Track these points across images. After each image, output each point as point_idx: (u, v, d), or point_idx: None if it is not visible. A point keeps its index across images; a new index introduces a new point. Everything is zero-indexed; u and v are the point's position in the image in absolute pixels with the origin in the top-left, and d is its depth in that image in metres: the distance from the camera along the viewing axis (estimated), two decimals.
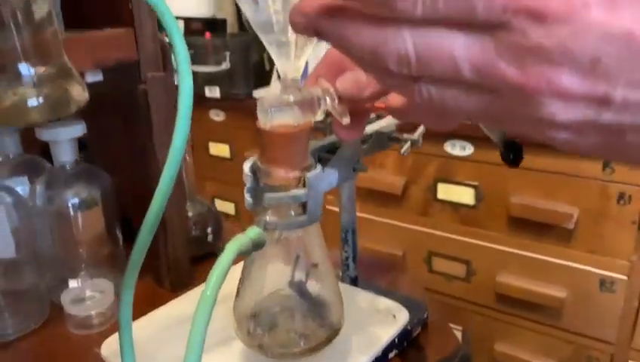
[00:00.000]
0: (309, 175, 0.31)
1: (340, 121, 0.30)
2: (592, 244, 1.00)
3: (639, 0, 0.17)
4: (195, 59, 1.40)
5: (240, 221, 1.53)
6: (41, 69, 0.25)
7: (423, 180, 1.16)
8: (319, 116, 0.31)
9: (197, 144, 1.50)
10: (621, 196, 0.94)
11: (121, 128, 0.56)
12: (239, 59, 1.38)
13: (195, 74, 1.53)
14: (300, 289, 0.37)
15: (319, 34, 0.21)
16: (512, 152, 0.33)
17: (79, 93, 0.26)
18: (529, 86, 0.18)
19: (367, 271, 0.54)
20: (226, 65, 1.36)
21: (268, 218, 0.32)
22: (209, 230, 0.59)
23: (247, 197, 0.33)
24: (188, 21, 1.50)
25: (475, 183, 1.08)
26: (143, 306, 0.44)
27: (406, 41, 0.19)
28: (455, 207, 1.13)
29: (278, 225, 0.32)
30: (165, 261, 0.56)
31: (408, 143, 0.40)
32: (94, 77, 0.50)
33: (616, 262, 0.98)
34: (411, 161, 1.16)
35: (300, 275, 0.36)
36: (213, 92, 1.39)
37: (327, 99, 0.29)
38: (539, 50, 0.17)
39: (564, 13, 0.17)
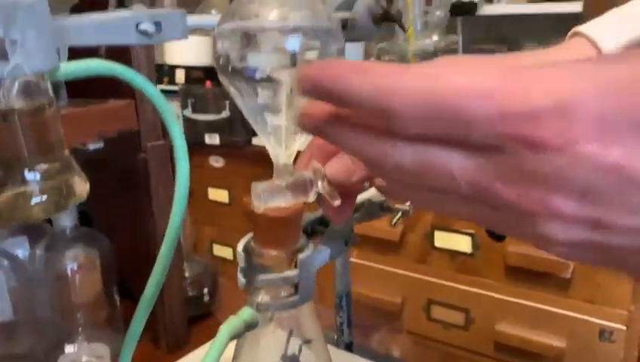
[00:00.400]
0: (301, 256, 0.32)
1: (330, 203, 0.31)
2: (590, 293, 1.00)
3: (626, 136, 0.17)
4: (195, 108, 1.43)
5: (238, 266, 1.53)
6: (44, 167, 0.26)
7: (421, 227, 1.16)
8: (311, 198, 0.32)
9: (196, 190, 1.51)
10: None
11: (120, 193, 0.57)
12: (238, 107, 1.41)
13: (195, 122, 1.56)
14: None
15: (324, 136, 0.23)
16: None
17: (81, 187, 0.27)
18: (526, 208, 0.19)
19: (362, 333, 0.54)
20: (225, 113, 1.39)
21: (260, 298, 0.33)
22: (205, 290, 0.60)
23: (240, 277, 0.33)
24: (189, 70, 1.54)
25: (472, 231, 1.09)
26: None
27: (403, 155, 0.20)
28: (452, 254, 1.13)
29: (271, 306, 0.33)
30: (162, 322, 0.56)
31: (399, 214, 0.41)
32: (95, 144, 0.51)
33: (615, 311, 0.98)
34: None
35: (293, 350, 0.37)
36: (213, 139, 1.41)
37: (319, 181, 0.30)
38: (535, 175, 0.18)
39: (559, 145, 0.17)
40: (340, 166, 0.29)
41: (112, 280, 0.55)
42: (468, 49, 1.47)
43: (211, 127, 1.40)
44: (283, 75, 0.25)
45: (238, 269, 0.34)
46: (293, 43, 0.27)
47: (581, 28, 0.31)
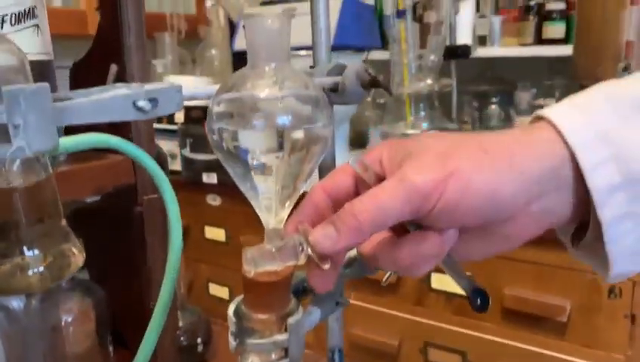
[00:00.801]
0: (290, 321, 0.33)
1: (314, 272, 0.31)
2: (586, 338, 1.00)
3: None
4: (194, 147, 1.45)
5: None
6: (41, 238, 0.27)
7: None
8: (301, 261, 0.33)
9: (193, 228, 1.52)
10: (611, 290, 0.95)
11: (114, 243, 0.58)
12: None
13: (193, 161, 1.58)
14: None
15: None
16: (480, 298, 0.34)
17: (77, 257, 0.28)
18: None
19: None
20: None
21: (251, 361, 0.33)
22: (199, 340, 0.60)
23: (231, 340, 0.34)
24: (188, 109, 1.56)
25: (469, 274, 1.09)
26: None
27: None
28: (449, 296, 1.13)
29: None
30: None
31: (389, 273, 0.42)
32: (91, 197, 0.52)
33: (611, 356, 0.97)
34: None
35: None
36: (210, 178, 1.42)
37: (309, 244, 0.31)
38: None
39: None
40: (324, 233, 0.30)
41: (105, 330, 0.55)
42: (462, 90, 1.50)
43: (209, 166, 1.42)
44: (273, 161, 0.27)
45: (229, 332, 0.34)
46: (284, 119, 0.28)
47: (545, 112, 0.30)
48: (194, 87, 0.33)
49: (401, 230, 0.32)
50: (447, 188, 0.28)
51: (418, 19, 1.47)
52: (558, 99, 1.44)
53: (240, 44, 1.39)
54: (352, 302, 1.23)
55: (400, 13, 1.19)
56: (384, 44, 1.47)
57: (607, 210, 0.27)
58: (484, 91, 1.51)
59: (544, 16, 1.41)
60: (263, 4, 1.47)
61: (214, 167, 1.41)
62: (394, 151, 0.31)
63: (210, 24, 1.95)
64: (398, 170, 0.29)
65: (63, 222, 0.29)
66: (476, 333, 1.10)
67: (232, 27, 1.86)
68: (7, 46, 0.25)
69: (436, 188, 0.28)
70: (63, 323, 0.53)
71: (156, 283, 0.55)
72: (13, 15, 0.41)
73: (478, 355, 1.11)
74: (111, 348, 0.56)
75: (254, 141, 0.27)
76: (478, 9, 1.49)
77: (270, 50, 0.29)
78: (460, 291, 1.17)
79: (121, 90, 0.28)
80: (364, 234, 0.29)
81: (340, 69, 0.41)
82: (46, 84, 0.25)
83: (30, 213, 0.27)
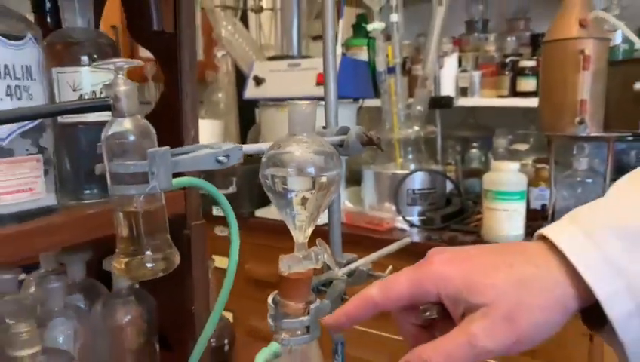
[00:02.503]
0: (312, 306, 0.47)
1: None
2: (551, 355, 1.13)
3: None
4: None
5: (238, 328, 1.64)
6: (154, 243, 0.42)
7: None
8: (319, 265, 0.47)
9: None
10: None
11: None
12: (244, 183, 1.58)
13: (203, 196, 1.71)
14: None
15: None
16: None
17: (176, 258, 0.43)
18: None
19: None
20: (232, 189, 1.55)
21: (283, 336, 0.47)
22: (225, 341, 0.73)
23: (270, 321, 0.48)
24: None
25: None
26: None
27: None
28: None
29: (290, 342, 0.47)
30: None
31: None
32: None
33: None
34: None
35: None
36: (219, 211, 1.57)
37: (324, 254, 0.46)
38: None
39: None
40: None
41: (154, 331, 0.69)
42: (446, 135, 1.68)
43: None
44: (308, 196, 0.42)
45: (268, 316, 0.49)
46: (311, 170, 0.44)
47: (546, 232, 0.34)
48: (248, 146, 0.48)
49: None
50: (513, 349, 0.33)
51: (406, 72, 1.65)
52: (532, 146, 1.59)
53: (250, 93, 1.56)
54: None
55: (390, 70, 1.37)
56: (376, 94, 1.66)
57: (627, 335, 0.31)
58: (465, 137, 1.68)
59: (518, 71, 1.59)
60: (270, 58, 1.65)
61: None
62: (453, 291, 0.35)
63: (217, 70, 2.13)
64: (463, 319, 0.34)
65: (167, 235, 0.44)
66: None
67: (238, 73, 2.03)
68: (144, 122, 0.40)
69: (503, 351, 0.33)
70: (122, 324, 0.66)
71: (198, 292, 0.69)
72: None
73: None
74: (157, 347, 0.70)
75: (296, 184, 0.42)
76: (460, 64, 1.68)
77: (303, 125, 0.44)
78: None
79: (206, 149, 0.43)
80: None
81: (344, 130, 0.57)
82: (168, 148, 0.40)
83: (149, 228, 0.41)
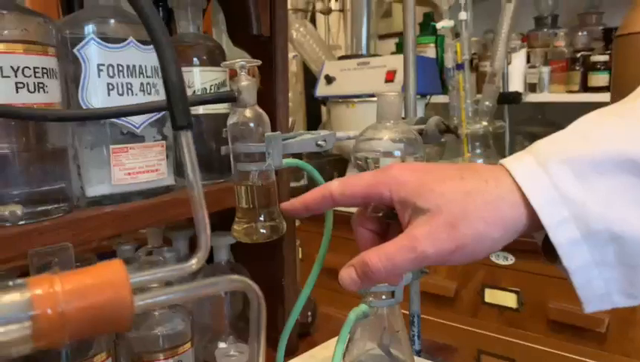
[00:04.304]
0: None
1: None
2: (625, 347, 1.13)
3: None
4: None
5: None
6: (266, 212, 0.50)
7: (472, 285, 1.34)
8: None
9: None
10: None
11: None
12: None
13: None
14: (386, 349, 0.58)
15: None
16: None
17: (284, 226, 0.51)
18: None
19: (427, 351, 0.73)
20: (304, 182, 1.64)
21: (371, 299, 0.54)
22: (309, 313, 0.81)
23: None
24: None
25: (517, 289, 1.26)
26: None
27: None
28: (501, 309, 1.29)
29: (377, 304, 0.54)
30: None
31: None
32: None
33: None
34: (461, 268, 1.35)
35: (386, 339, 0.57)
36: None
37: None
38: None
39: None
40: (347, 275, 0.39)
41: (246, 300, 0.77)
42: (514, 131, 1.68)
43: (294, 194, 1.65)
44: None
45: None
46: (397, 152, 0.50)
47: (504, 161, 0.36)
48: (340, 133, 0.55)
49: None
50: (451, 258, 0.34)
51: (474, 68, 1.68)
52: None
53: (321, 91, 1.64)
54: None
55: (459, 67, 1.40)
56: (444, 90, 1.69)
57: (571, 261, 0.32)
58: (534, 132, 1.68)
59: (589, 66, 1.58)
60: (341, 58, 1.72)
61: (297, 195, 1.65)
62: (404, 195, 0.36)
63: None
64: (408, 226, 0.35)
65: (278, 205, 0.52)
66: (525, 342, 1.26)
67: (305, 72, 2.11)
68: (260, 111, 0.48)
69: (443, 258, 0.34)
70: (222, 293, 0.75)
71: (288, 267, 0.77)
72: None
73: None
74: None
75: (387, 164, 0.49)
76: (528, 60, 1.68)
77: (391, 113, 0.51)
78: (510, 304, 1.38)
79: (308, 135, 0.51)
80: (375, 281, 0.37)
81: (424, 120, 0.63)
82: (280, 133, 0.48)
83: (263, 200, 0.49)
